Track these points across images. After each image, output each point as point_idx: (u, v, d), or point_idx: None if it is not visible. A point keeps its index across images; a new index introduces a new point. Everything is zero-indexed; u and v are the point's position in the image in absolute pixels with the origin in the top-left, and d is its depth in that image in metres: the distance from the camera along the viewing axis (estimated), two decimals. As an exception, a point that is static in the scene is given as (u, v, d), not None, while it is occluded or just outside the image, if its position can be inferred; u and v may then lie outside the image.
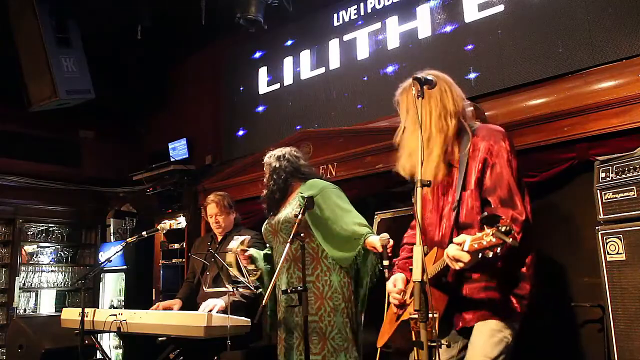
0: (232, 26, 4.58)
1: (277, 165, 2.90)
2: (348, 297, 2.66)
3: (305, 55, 4.90)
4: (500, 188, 1.85)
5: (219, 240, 3.73)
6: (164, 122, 6.51)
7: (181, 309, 3.61)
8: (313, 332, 2.62)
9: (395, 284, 2.09)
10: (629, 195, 2.44)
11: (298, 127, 4.71)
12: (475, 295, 1.90)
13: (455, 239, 1.74)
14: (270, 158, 2.95)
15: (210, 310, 3.08)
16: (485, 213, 1.61)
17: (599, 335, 2.49)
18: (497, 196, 1.85)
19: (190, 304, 3.63)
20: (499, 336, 1.86)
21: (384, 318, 2.11)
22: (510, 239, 1.51)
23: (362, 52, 4.47)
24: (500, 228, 1.53)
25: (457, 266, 1.72)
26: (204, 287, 3.50)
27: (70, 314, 3.55)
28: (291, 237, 2.45)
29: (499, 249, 1.56)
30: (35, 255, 6.51)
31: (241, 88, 5.52)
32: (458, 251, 1.69)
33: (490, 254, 1.58)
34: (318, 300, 2.65)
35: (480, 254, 1.63)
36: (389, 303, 2.14)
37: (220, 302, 3.18)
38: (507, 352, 1.86)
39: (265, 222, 2.94)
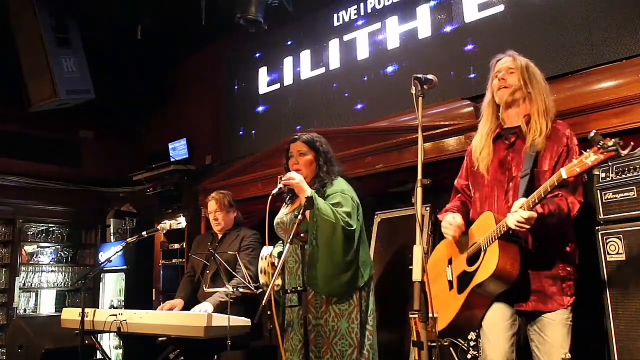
0: (232, 26, 4.58)
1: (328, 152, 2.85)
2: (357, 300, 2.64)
3: (305, 55, 4.90)
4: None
5: (218, 238, 3.73)
6: (164, 122, 6.51)
7: (184, 307, 3.61)
8: (317, 336, 2.61)
9: (454, 217, 2.23)
10: (629, 195, 2.43)
11: (298, 127, 4.71)
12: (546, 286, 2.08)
13: (515, 202, 1.95)
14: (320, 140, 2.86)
15: None
16: (594, 132, 1.66)
17: (599, 335, 2.49)
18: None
19: (193, 303, 3.62)
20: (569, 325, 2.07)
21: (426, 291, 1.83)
22: (626, 150, 1.59)
23: (362, 52, 4.46)
24: (607, 142, 1.59)
25: (525, 227, 1.90)
26: (204, 287, 3.50)
27: (70, 314, 3.55)
28: (291, 237, 2.44)
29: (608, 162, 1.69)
30: (35, 255, 6.51)
31: (241, 88, 5.52)
32: (520, 214, 1.88)
33: (598, 173, 1.73)
34: (323, 305, 2.63)
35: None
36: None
37: (208, 307, 3.19)
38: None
39: (279, 216, 2.84)
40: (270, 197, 2.58)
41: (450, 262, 2.28)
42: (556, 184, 1.81)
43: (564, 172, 1.74)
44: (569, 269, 2.12)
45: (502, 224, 1.99)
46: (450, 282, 2.23)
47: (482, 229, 2.12)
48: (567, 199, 2.03)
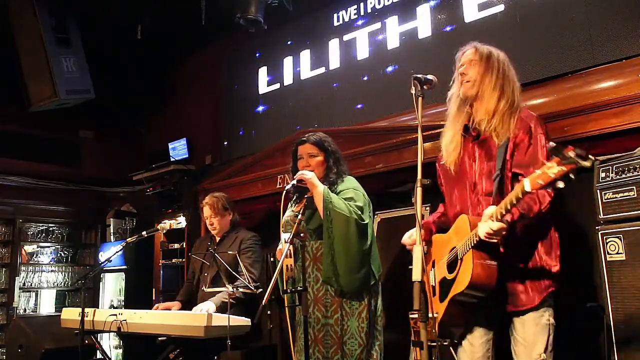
0: (232, 26, 4.58)
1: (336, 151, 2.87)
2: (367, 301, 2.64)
3: (305, 55, 4.90)
4: (534, 165, 1.86)
5: (217, 241, 3.73)
6: (164, 122, 6.51)
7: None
8: (327, 335, 2.61)
9: (411, 236, 2.27)
10: (629, 195, 2.43)
11: (298, 127, 4.71)
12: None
13: (485, 211, 1.91)
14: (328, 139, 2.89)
15: None
16: (552, 144, 1.64)
17: (599, 335, 2.49)
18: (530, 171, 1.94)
19: (190, 306, 3.62)
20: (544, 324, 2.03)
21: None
22: (588, 162, 1.50)
23: (362, 52, 4.46)
24: (568, 153, 1.51)
25: (495, 239, 1.87)
26: (203, 287, 3.50)
27: (70, 314, 3.55)
28: (290, 236, 2.45)
29: (571, 175, 1.54)
30: (35, 255, 6.51)
31: (241, 88, 5.52)
32: (489, 225, 1.84)
33: (562, 184, 1.57)
34: (334, 304, 2.63)
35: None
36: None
37: (211, 305, 3.18)
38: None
39: (285, 217, 2.83)
40: (284, 192, 2.61)
41: (433, 264, 2.27)
42: (520, 196, 1.74)
43: (527, 185, 1.65)
44: (543, 267, 2.05)
45: (474, 232, 1.96)
46: (434, 288, 2.22)
47: (459, 234, 2.11)
48: (537, 195, 1.94)
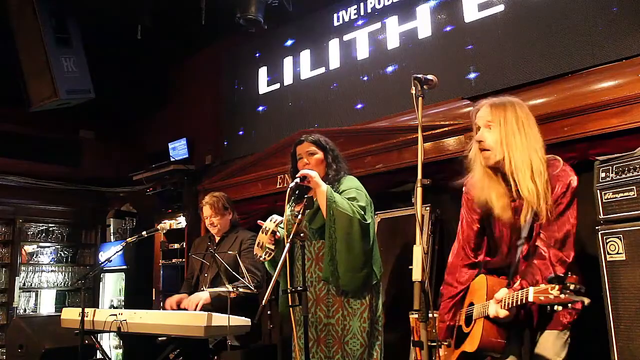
0: (232, 26, 4.57)
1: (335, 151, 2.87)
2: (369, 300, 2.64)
3: (305, 55, 4.90)
4: (559, 231, 1.95)
5: (216, 241, 3.73)
6: (164, 122, 6.51)
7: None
8: (328, 335, 2.61)
9: None
10: (629, 195, 2.44)
11: (298, 127, 4.70)
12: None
13: (496, 294, 1.94)
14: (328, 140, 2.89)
15: (196, 306, 3.20)
16: (553, 275, 1.69)
17: (599, 335, 2.49)
18: (552, 235, 1.97)
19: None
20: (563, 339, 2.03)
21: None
22: (586, 300, 1.62)
23: (362, 52, 4.46)
24: (569, 285, 1.62)
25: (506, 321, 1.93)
26: (203, 287, 3.50)
27: (70, 314, 3.55)
28: (290, 236, 2.44)
29: (569, 305, 1.65)
30: (35, 255, 6.51)
31: (241, 88, 5.52)
32: (497, 311, 1.90)
33: (561, 308, 1.66)
34: (336, 303, 2.64)
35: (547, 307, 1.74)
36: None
37: (204, 295, 3.21)
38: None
39: (287, 213, 2.82)
40: (289, 189, 2.60)
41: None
42: (524, 302, 1.80)
43: (530, 295, 1.73)
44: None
45: (486, 305, 2.00)
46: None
47: (476, 293, 2.15)
48: (551, 263, 1.95)
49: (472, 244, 2.22)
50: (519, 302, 1.82)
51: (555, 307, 1.66)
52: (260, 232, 2.71)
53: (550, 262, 1.94)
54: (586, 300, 1.62)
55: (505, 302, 1.91)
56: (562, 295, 1.63)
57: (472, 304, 2.16)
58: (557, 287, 1.65)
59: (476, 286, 2.17)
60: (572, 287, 1.61)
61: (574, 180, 1.99)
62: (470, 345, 2.07)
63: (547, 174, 1.97)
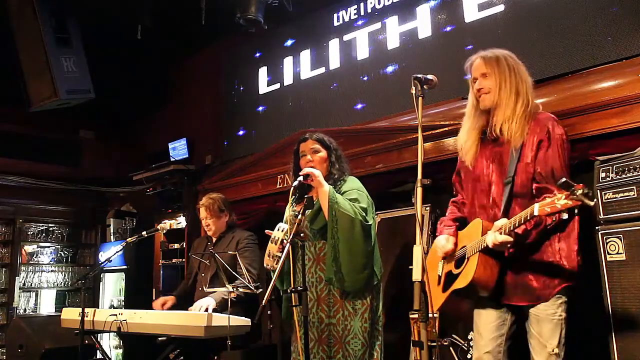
0: (232, 26, 4.57)
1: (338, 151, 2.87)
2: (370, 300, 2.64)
3: (305, 55, 4.90)
4: (555, 169, 2.08)
5: (214, 241, 3.74)
6: (164, 122, 6.51)
7: (174, 306, 3.62)
8: (330, 335, 2.61)
9: (447, 242, 2.32)
10: (629, 195, 2.44)
11: (298, 127, 4.70)
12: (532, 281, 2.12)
13: (496, 222, 2.03)
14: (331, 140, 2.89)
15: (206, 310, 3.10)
16: (563, 179, 1.72)
17: (599, 335, 2.49)
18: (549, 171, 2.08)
19: (183, 303, 3.63)
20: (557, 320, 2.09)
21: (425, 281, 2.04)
22: (592, 202, 1.66)
23: (362, 52, 4.46)
24: (577, 190, 1.65)
25: (500, 249, 2.01)
26: (203, 287, 3.50)
27: (70, 314, 3.55)
28: (290, 237, 2.44)
29: (575, 210, 1.70)
30: (35, 255, 6.51)
31: (241, 88, 5.52)
32: (496, 237, 1.98)
33: (566, 215, 1.73)
34: (337, 304, 2.63)
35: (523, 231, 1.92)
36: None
37: (211, 301, 3.19)
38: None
39: (285, 217, 2.82)
40: (292, 188, 2.60)
41: (445, 257, 2.39)
42: (529, 218, 1.88)
43: (536, 209, 1.80)
44: (558, 264, 2.10)
45: (483, 239, 2.09)
46: (439, 277, 2.35)
47: (470, 235, 2.23)
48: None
49: (459, 200, 2.45)
50: (522, 221, 1.90)
51: (562, 215, 1.71)
52: (270, 242, 2.68)
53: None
54: (592, 203, 1.66)
55: (506, 227, 1.98)
56: (571, 202, 1.67)
57: (464, 247, 2.24)
58: (563, 195, 1.70)
59: (471, 229, 2.26)
60: (580, 191, 1.64)
61: (557, 128, 2.14)
62: (463, 280, 2.14)
63: (529, 117, 2.18)
